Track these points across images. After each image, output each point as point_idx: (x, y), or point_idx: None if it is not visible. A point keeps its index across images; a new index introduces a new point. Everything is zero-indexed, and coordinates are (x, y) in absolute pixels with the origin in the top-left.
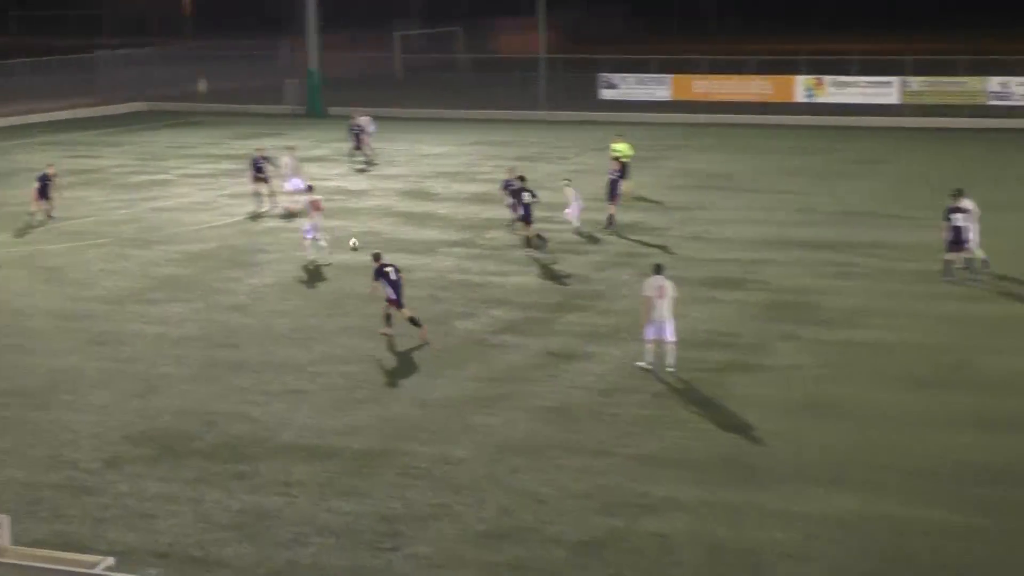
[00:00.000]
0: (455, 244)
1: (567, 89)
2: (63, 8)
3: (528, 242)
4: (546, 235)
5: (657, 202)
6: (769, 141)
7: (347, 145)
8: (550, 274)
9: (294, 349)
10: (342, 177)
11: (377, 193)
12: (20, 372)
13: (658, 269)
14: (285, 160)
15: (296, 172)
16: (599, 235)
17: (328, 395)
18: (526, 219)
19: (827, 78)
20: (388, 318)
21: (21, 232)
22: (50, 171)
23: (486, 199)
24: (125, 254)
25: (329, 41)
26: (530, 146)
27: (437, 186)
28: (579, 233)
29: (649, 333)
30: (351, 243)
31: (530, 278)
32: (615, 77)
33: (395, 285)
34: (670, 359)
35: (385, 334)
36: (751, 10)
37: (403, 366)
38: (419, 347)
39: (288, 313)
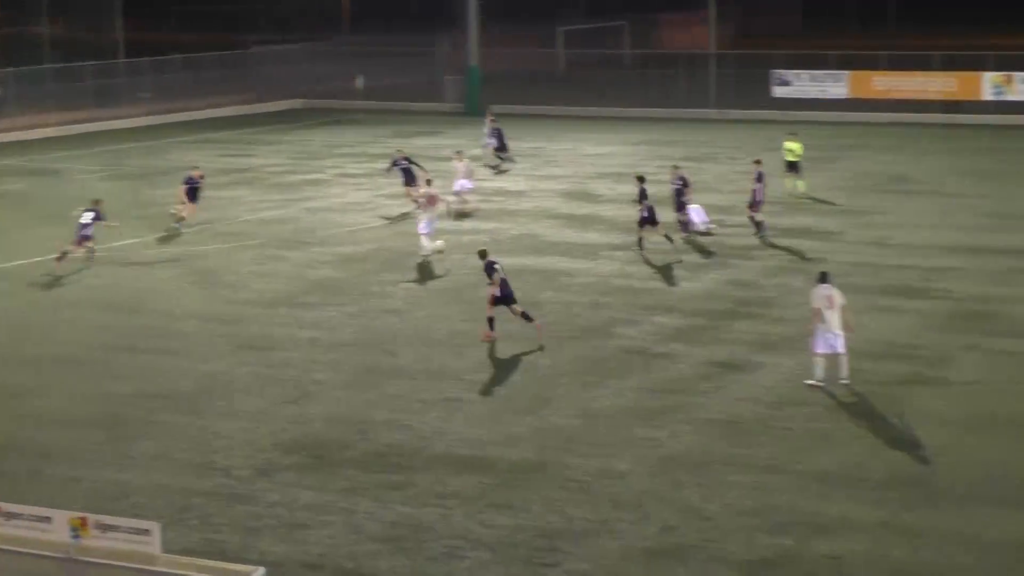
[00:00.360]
0: (618, 248)
1: (737, 86)
2: (219, 4)
3: (640, 243)
4: (672, 236)
5: (831, 204)
6: (953, 141)
7: (484, 146)
8: (718, 280)
9: (450, 356)
10: (500, 177)
11: (537, 194)
12: (170, 376)
13: (824, 277)
14: (456, 164)
15: (468, 175)
16: (751, 239)
17: (485, 404)
18: (650, 219)
19: (1018, 75)
20: (491, 321)
21: (172, 233)
22: (195, 173)
23: (652, 201)
24: (278, 256)
25: (489, 36)
26: (698, 146)
27: (600, 187)
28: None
29: (818, 346)
30: (438, 245)
31: (696, 284)
32: (788, 74)
33: (504, 283)
34: (843, 371)
35: (488, 338)
36: (935, 3)
37: (563, 375)
38: (578, 356)
39: (445, 318)
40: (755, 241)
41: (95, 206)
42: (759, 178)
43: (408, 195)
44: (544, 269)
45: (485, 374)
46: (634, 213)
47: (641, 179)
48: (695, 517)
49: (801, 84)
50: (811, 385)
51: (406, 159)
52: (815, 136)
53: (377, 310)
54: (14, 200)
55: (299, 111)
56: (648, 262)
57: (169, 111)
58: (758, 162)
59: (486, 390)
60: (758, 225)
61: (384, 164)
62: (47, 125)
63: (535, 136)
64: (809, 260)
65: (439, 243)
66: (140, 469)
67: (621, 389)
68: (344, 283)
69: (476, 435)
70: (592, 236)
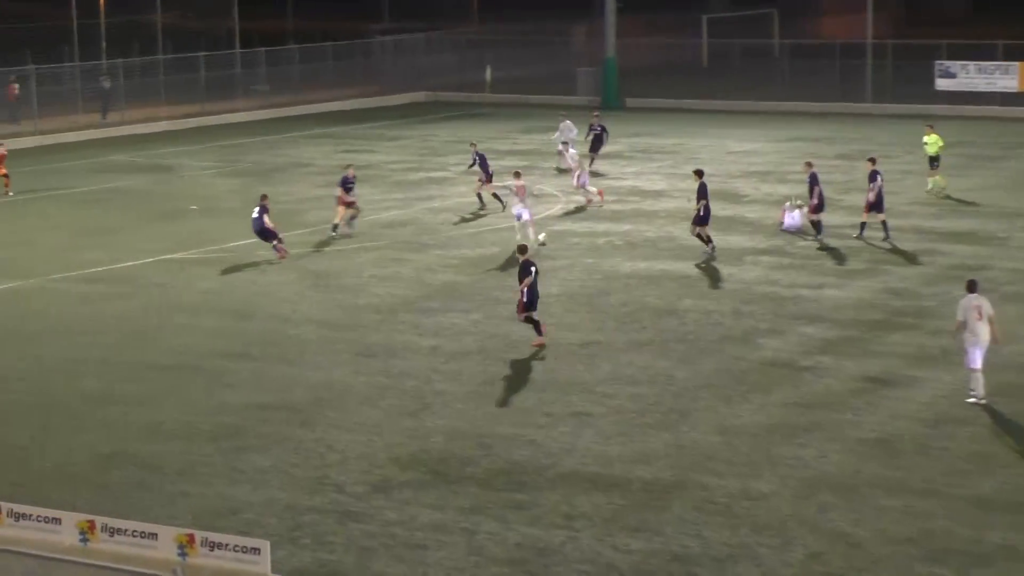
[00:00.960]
0: (763, 252)
1: (897, 78)
2: None
3: (703, 239)
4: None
5: (996, 207)
6: None
7: (561, 150)
8: (870, 288)
9: (580, 367)
10: (637, 176)
11: (676, 194)
12: (284, 385)
13: (973, 287)
14: (571, 153)
15: (580, 167)
16: (907, 244)
17: (616, 419)
18: (703, 219)
19: None
20: (537, 325)
21: (288, 233)
22: (350, 172)
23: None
24: (399, 259)
25: (627, 25)
26: (852, 142)
27: (745, 187)
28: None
29: (973, 361)
30: (540, 239)
31: (847, 292)
32: (953, 65)
33: (532, 286)
34: (979, 389)
35: (539, 345)
36: None
37: (701, 388)
38: (718, 368)
39: (575, 326)
40: (912, 246)
41: (263, 202)
42: (872, 178)
43: (481, 188)
44: (683, 274)
45: (617, 386)
46: (774, 214)
47: (699, 173)
48: (843, 543)
49: (967, 76)
50: (973, 402)
51: (479, 154)
52: (980, 133)
53: (501, 317)
54: (125, 197)
55: (423, 104)
56: (795, 267)
57: (286, 104)
58: (872, 160)
59: (618, 403)
60: (861, 227)
61: (526, 161)
62: (158, 119)
63: (675, 132)
64: (972, 269)
65: (542, 235)
66: (250, 484)
67: (764, 404)
68: (467, 288)
69: (607, 452)
70: (735, 239)
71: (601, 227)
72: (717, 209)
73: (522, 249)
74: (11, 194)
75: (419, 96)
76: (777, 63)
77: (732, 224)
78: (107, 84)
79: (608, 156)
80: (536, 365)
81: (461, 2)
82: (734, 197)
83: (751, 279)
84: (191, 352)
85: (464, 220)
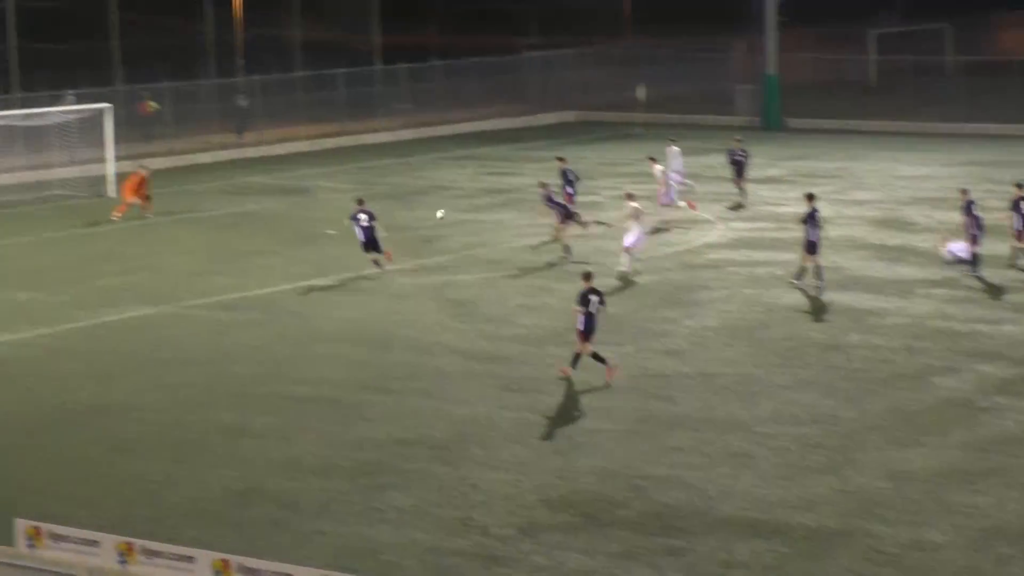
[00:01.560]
0: (936, 284)
1: None
2: (486, 4)
3: (801, 273)
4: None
5: None
6: None
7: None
8: None
9: (738, 405)
10: (798, 202)
11: (841, 221)
12: (426, 420)
13: None
14: (657, 168)
15: (666, 184)
16: None
17: (778, 460)
18: (812, 248)
19: None
20: (577, 358)
21: (429, 259)
22: (543, 188)
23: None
24: (546, 287)
25: (788, 40)
26: None
27: (915, 214)
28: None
29: None
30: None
31: None
32: None
33: (590, 316)
34: None
35: (565, 374)
36: None
37: (869, 429)
38: (887, 408)
39: (733, 362)
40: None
41: (366, 207)
42: (1015, 206)
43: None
44: (849, 307)
45: (779, 426)
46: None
47: (810, 197)
48: None
49: None
50: None
51: (567, 170)
52: None
53: (656, 350)
54: (261, 221)
55: (572, 124)
56: (971, 301)
57: (428, 123)
58: (1020, 185)
59: (780, 444)
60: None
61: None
62: (296, 139)
63: (839, 155)
64: None
65: (631, 266)
66: (390, 523)
67: (938, 447)
68: (619, 319)
69: (768, 496)
70: (905, 270)
71: (761, 256)
72: (885, 237)
73: (586, 276)
74: (150, 216)
75: (568, 115)
76: (951, 81)
77: (901, 254)
78: (244, 102)
79: (768, 181)
80: (692, 402)
81: (614, 16)
82: (903, 225)
83: (923, 313)
84: (328, 384)
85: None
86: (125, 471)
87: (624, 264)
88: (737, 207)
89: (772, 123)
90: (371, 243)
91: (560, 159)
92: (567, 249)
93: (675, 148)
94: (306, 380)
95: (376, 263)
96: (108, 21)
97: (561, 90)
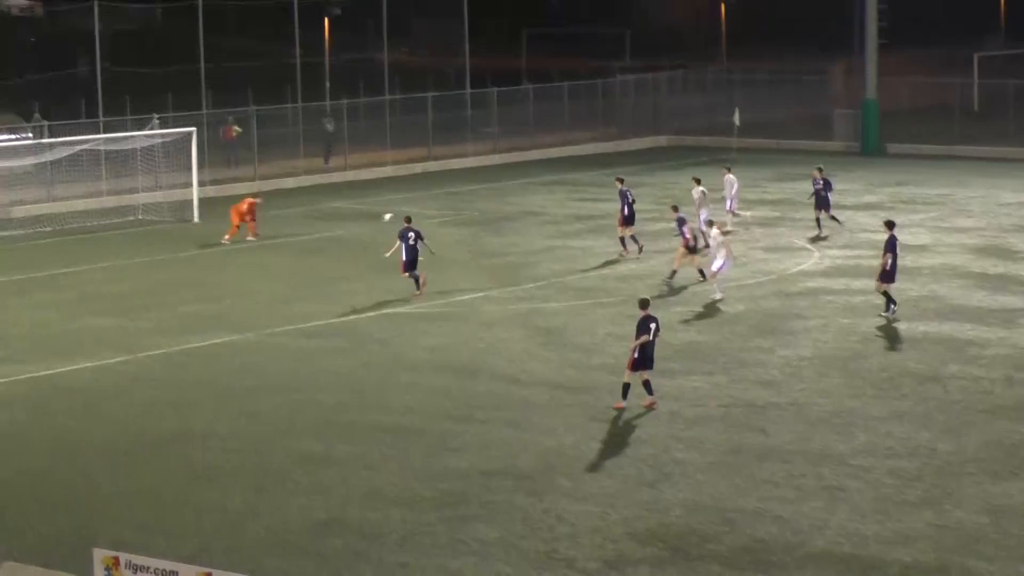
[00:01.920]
0: None
1: None
2: (579, 25)
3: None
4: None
5: None
6: None
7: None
8: None
9: (833, 437)
10: (898, 230)
11: (942, 249)
12: (512, 450)
13: None
14: (698, 191)
15: (702, 205)
16: None
17: (873, 494)
18: (890, 275)
19: None
20: (626, 389)
21: (517, 286)
22: (678, 214)
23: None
24: (636, 315)
25: (890, 63)
26: None
27: (1019, 242)
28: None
29: None
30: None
31: None
32: None
33: (647, 345)
34: None
35: (618, 407)
36: None
37: (968, 462)
38: (987, 441)
39: (828, 393)
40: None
41: (410, 224)
42: None
43: (624, 231)
44: (949, 337)
45: (874, 458)
46: None
47: (890, 225)
48: None
49: None
50: None
51: (625, 191)
52: None
53: (748, 380)
54: (346, 247)
55: (664, 149)
56: None
57: (517, 148)
58: None
59: (875, 477)
60: None
61: (777, 212)
62: (383, 163)
63: (941, 181)
64: None
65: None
66: (474, 556)
67: None
68: (711, 348)
69: (862, 530)
70: (1008, 299)
71: (857, 284)
72: (986, 265)
73: (643, 303)
74: (254, 239)
75: (660, 140)
76: None
77: (1004, 283)
78: (330, 127)
79: (866, 207)
80: (785, 434)
81: (709, 39)
82: (1007, 253)
83: None
84: (413, 413)
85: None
86: (205, 500)
87: (718, 292)
88: (816, 239)
89: (871, 148)
90: (412, 263)
91: (619, 179)
92: (673, 275)
93: (730, 176)
94: (390, 409)
95: (416, 282)
96: (194, 45)
97: (654, 114)
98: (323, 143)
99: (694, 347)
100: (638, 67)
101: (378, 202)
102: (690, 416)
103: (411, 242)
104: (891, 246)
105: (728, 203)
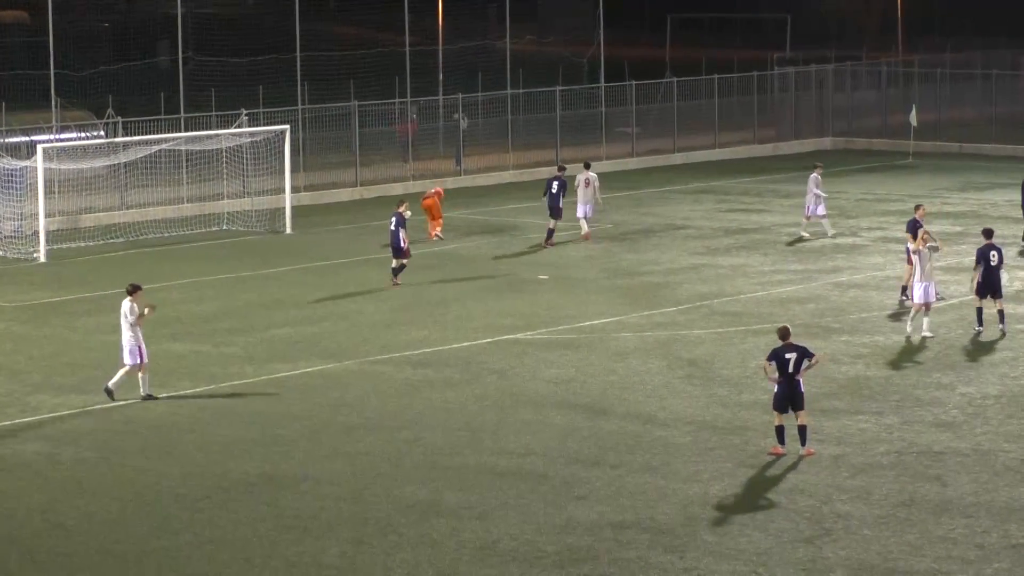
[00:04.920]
0: None
1: None
2: (733, 9)
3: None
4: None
5: None
6: None
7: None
8: None
9: (1022, 488)
10: None
11: None
12: (649, 500)
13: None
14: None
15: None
16: None
17: None
18: (987, 289)
19: None
20: (780, 432)
21: (656, 311)
22: (919, 213)
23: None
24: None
25: None
26: None
27: None
28: None
29: None
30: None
31: None
32: None
33: (789, 380)
34: None
35: (775, 453)
36: None
37: None
38: None
39: (1016, 437)
40: None
41: (400, 210)
42: None
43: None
44: None
45: None
46: None
47: (987, 234)
48: None
49: None
50: None
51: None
52: None
53: (924, 422)
54: (459, 263)
55: (829, 153)
56: None
57: (658, 151)
58: None
59: None
60: None
61: (961, 226)
62: (504, 167)
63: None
64: None
65: (926, 331)
66: None
67: None
68: (881, 384)
69: None
70: None
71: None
72: None
73: (783, 333)
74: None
75: (824, 142)
76: None
77: None
78: (464, 123)
79: None
80: (966, 484)
81: (883, 27)
82: None
83: None
84: (534, 455)
85: (882, 301)
86: (296, 552)
87: (924, 326)
88: None
89: None
90: (397, 250)
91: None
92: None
93: (815, 175)
94: (508, 451)
95: (394, 273)
96: (290, 31)
97: (818, 113)
98: (455, 142)
99: (861, 382)
100: (800, 58)
101: (497, 211)
102: (856, 463)
103: (392, 227)
104: (981, 257)
105: (809, 207)
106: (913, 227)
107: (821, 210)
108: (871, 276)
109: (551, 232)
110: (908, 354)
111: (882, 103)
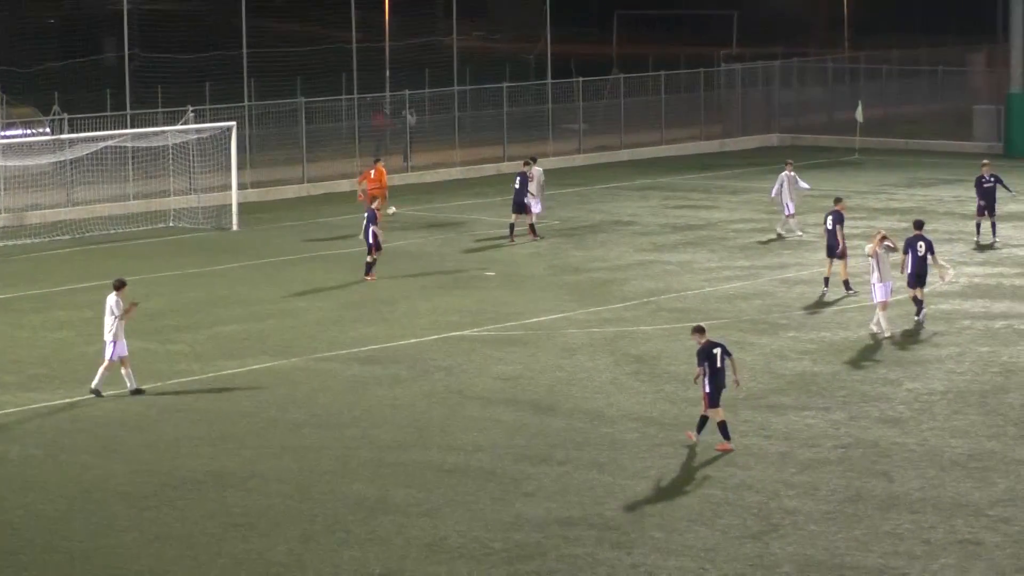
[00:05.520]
0: None
1: None
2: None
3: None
4: None
5: None
6: None
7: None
8: None
9: (968, 483)
10: None
11: None
12: (597, 496)
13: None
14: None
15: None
16: None
17: (1014, 550)
18: (920, 280)
19: None
20: (703, 423)
21: (603, 307)
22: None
23: None
24: (742, 341)
25: None
26: None
27: None
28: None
29: None
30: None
31: None
32: None
33: (715, 374)
34: None
35: (690, 437)
36: None
37: None
38: None
39: (963, 432)
40: None
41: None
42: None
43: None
44: None
45: (1016, 508)
46: None
47: (918, 225)
48: None
49: None
50: None
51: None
52: None
53: (871, 418)
54: (406, 260)
55: (776, 149)
56: None
57: (605, 147)
58: None
59: (1016, 530)
60: None
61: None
62: (450, 164)
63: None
64: None
65: (880, 327)
66: None
67: None
68: (828, 380)
69: None
70: None
71: (999, 307)
72: None
73: (699, 330)
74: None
75: (771, 139)
76: None
77: None
78: (412, 119)
79: (1010, 218)
80: (913, 480)
81: (829, 25)
82: None
83: None
84: (482, 452)
85: (827, 296)
86: (243, 550)
87: (881, 325)
88: (981, 247)
89: (1017, 150)
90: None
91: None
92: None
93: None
94: (456, 447)
95: (368, 264)
96: (236, 27)
97: (765, 109)
98: (404, 139)
99: (808, 378)
100: (747, 55)
101: (443, 208)
102: (803, 459)
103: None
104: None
105: (788, 206)
106: (838, 219)
107: (791, 208)
108: (817, 272)
109: (512, 227)
110: (855, 350)
111: (829, 99)
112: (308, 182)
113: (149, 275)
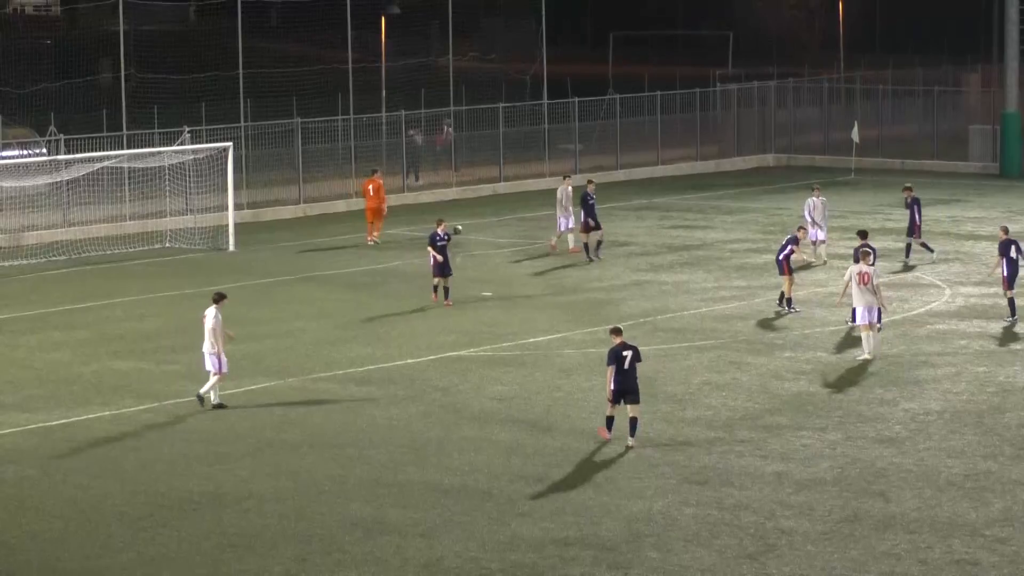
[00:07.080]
0: None
1: None
2: (676, 27)
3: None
4: None
5: None
6: None
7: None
8: None
9: (965, 503)
10: None
11: None
12: (594, 516)
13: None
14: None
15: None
16: None
17: (1010, 570)
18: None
19: None
20: (610, 421)
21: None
22: None
23: None
24: (738, 362)
25: None
26: None
27: None
28: None
29: None
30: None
31: None
32: None
33: (624, 376)
34: None
35: (601, 435)
36: None
37: None
38: None
39: (959, 453)
40: None
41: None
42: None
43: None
44: None
45: (1012, 528)
46: None
47: (863, 235)
48: None
49: None
50: None
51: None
52: None
53: (867, 438)
54: (404, 281)
55: (772, 169)
56: None
57: (601, 168)
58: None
59: (1013, 550)
60: None
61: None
62: (447, 184)
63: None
64: None
65: (866, 353)
66: None
67: None
68: (824, 400)
69: None
70: None
71: (996, 327)
72: None
73: (616, 331)
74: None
75: (767, 159)
76: None
77: None
78: (419, 139)
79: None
80: (909, 500)
81: (825, 45)
82: None
83: None
84: (478, 472)
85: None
86: (239, 571)
87: (867, 348)
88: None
89: (1011, 169)
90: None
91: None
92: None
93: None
94: (452, 468)
95: (435, 290)
96: (232, 48)
97: (760, 129)
98: (411, 157)
99: (804, 398)
100: (742, 75)
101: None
102: (799, 479)
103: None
104: (1002, 249)
105: (815, 232)
106: (792, 241)
107: (822, 235)
108: (813, 292)
109: (586, 246)
110: (851, 370)
111: (824, 120)
112: (304, 202)
113: (145, 296)
